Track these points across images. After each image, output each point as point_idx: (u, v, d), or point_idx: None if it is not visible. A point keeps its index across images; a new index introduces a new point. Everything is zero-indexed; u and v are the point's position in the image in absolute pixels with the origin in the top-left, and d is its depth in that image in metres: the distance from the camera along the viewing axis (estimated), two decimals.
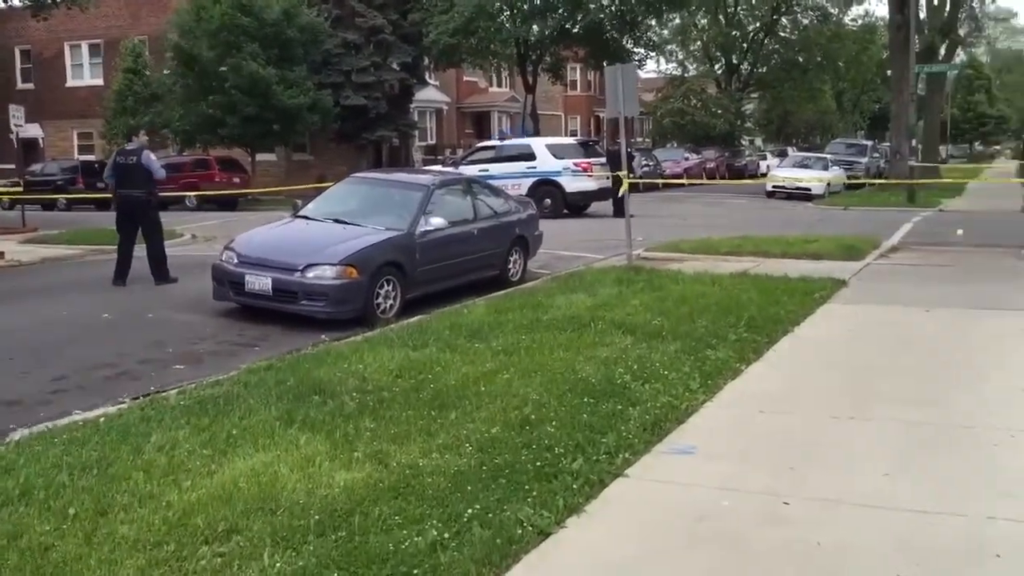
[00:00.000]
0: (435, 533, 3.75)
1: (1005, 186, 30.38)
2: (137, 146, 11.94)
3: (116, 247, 11.86)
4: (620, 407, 5.44)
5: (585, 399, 5.59)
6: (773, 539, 3.83)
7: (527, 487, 4.24)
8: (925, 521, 3.98)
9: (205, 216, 23.87)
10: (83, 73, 39.61)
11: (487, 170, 20.61)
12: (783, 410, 5.64)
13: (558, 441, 4.83)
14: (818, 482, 4.45)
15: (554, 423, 5.13)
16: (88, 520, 3.95)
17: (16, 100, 25.49)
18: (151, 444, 4.88)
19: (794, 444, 5.01)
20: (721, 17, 52.27)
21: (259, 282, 9.11)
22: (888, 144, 35.52)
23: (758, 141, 65.67)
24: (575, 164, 21.96)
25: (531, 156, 22.23)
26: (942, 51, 38.99)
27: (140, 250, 11.76)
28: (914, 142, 30.04)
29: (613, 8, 37.87)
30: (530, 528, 3.85)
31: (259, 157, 32.57)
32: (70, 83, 39.61)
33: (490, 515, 3.94)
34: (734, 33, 52.72)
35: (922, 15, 34.09)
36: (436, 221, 10.00)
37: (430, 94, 41.91)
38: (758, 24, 53.46)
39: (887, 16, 33.68)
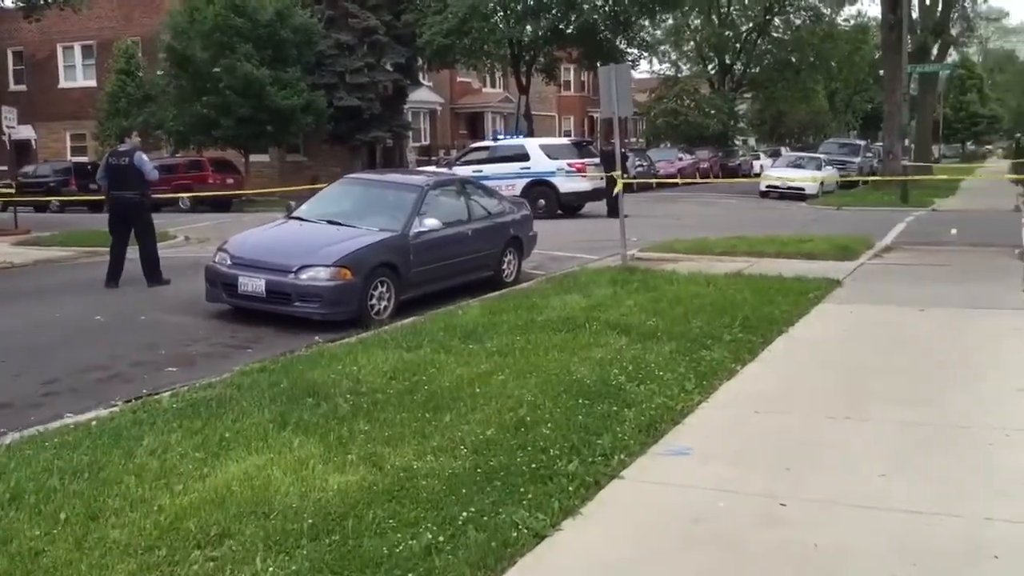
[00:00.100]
0: (429, 536, 3.73)
1: (998, 185, 30.47)
2: (130, 147, 11.89)
3: (109, 249, 11.83)
4: (615, 408, 5.42)
5: (580, 400, 5.57)
6: (769, 540, 3.81)
7: (522, 489, 4.21)
8: (922, 522, 3.97)
9: (198, 217, 23.83)
10: (76, 74, 39.45)
11: (481, 171, 20.63)
12: (778, 410, 5.63)
13: (553, 443, 4.80)
14: (814, 483, 4.43)
15: (549, 425, 5.10)
16: (79, 525, 3.91)
17: (8, 102, 25.35)
18: (143, 447, 4.85)
19: (790, 445, 5.00)
20: (714, 17, 52.40)
21: (252, 284, 9.07)
22: (881, 144, 35.59)
23: (751, 141, 65.86)
24: (569, 164, 21.96)
25: (525, 157, 22.22)
26: (934, 51, 39.18)
27: (133, 252, 11.72)
28: (907, 142, 30.14)
29: (606, 8, 37.94)
30: (525, 531, 3.83)
31: (253, 158, 32.50)
32: (63, 84, 39.43)
33: (485, 518, 3.91)
34: (727, 33, 52.87)
35: (915, 15, 34.22)
36: (430, 222, 9.98)
37: (424, 95, 41.92)
38: (751, 24, 53.66)
39: (880, 16, 33.81)
